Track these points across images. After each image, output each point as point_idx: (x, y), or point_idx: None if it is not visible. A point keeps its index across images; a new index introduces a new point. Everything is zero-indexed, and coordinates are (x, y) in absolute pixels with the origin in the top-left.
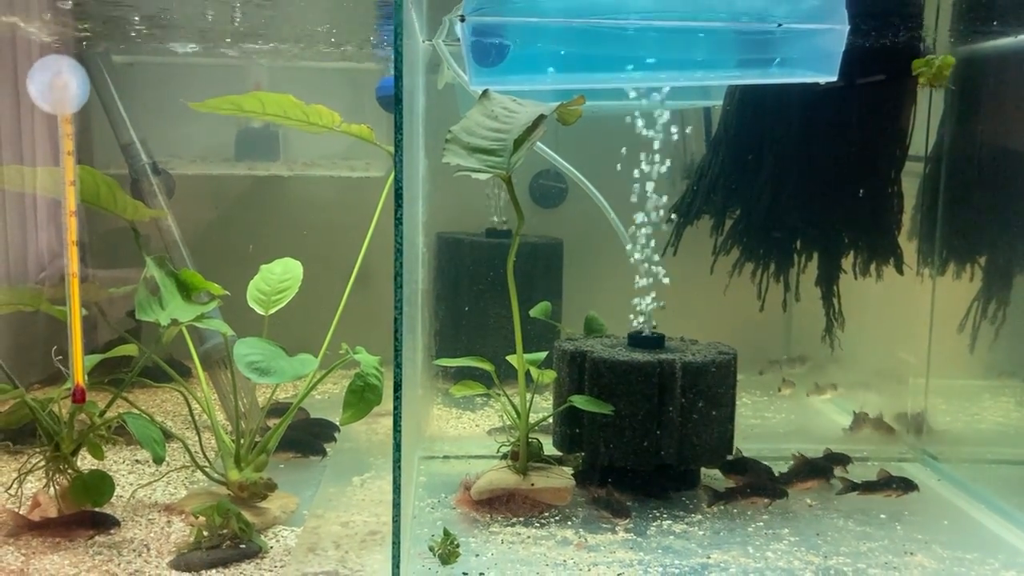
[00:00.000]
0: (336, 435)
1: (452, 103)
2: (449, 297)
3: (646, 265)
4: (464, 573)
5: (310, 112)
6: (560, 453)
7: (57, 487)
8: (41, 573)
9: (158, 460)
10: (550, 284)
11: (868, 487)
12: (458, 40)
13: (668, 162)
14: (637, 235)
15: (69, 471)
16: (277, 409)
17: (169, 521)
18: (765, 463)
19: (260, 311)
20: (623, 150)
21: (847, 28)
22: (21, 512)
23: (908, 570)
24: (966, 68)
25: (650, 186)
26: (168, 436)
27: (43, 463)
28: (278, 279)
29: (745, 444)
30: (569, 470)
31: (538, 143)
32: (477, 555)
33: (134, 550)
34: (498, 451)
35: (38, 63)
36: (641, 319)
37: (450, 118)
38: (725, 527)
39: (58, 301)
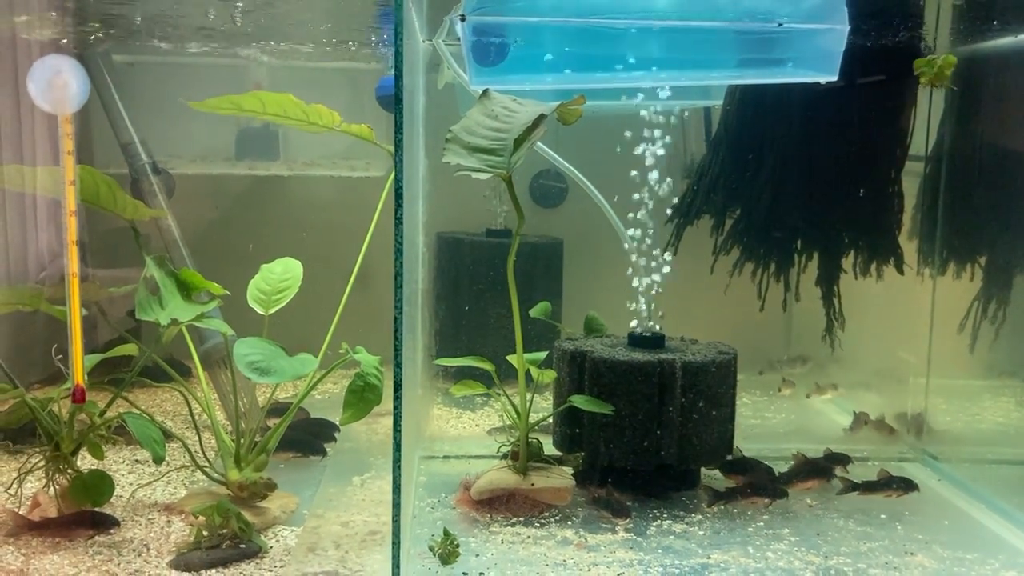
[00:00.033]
0: (336, 435)
1: (452, 103)
2: (449, 297)
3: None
4: (464, 573)
5: (310, 112)
6: (560, 453)
7: (57, 487)
8: (41, 573)
9: (158, 460)
10: (550, 284)
11: (868, 487)
12: (458, 40)
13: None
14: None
15: (69, 471)
16: (277, 409)
17: (169, 521)
18: (766, 463)
19: (260, 311)
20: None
21: (847, 28)
22: (21, 512)
23: (908, 570)
24: (967, 68)
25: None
26: (168, 436)
27: (43, 463)
28: (278, 279)
29: (745, 444)
30: (569, 470)
31: (538, 143)
32: (477, 555)
33: (134, 550)
34: (498, 451)
35: (38, 62)
36: (643, 308)
37: (450, 118)
38: (725, 527)
39: (58, 301)
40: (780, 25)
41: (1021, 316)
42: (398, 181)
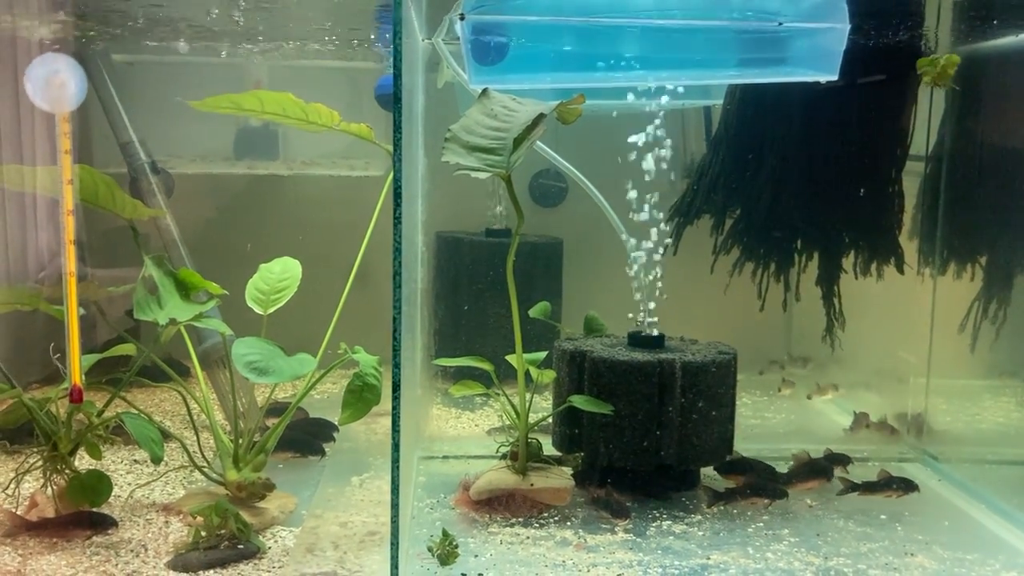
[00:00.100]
0: (335, 435)
1: (452, 102)
2: (448, 296)
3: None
4: (463, 574)
5: (309, 111)
6: (559, 453)
7: (54, 487)
8: (38, 573)
9: (156, 460)
10: (550, 284)
11: (868, 487)
12: (458, 38)
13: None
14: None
15: (67, 471)
16: (276, 409)
17: (167, 521)
18: (766, 463)
19: (259, 310)
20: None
21: (848, 27)
22: (18, 512)
23: (909, 571)
24: (967, 67)
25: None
26: (166, 436)
27: (40, 463)
28: (277, 278)
29: (745, 444)
30: (568, 470)
31: (538, 142)
32: (476, 556)
33: (132, 550)
34: (497, 451)
35: (36, 61)
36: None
37: (450, 117)
38: (725, 528)
39: (58, 300)
40: (780, 24)
41: (1022, 316)
42: (397, 180)
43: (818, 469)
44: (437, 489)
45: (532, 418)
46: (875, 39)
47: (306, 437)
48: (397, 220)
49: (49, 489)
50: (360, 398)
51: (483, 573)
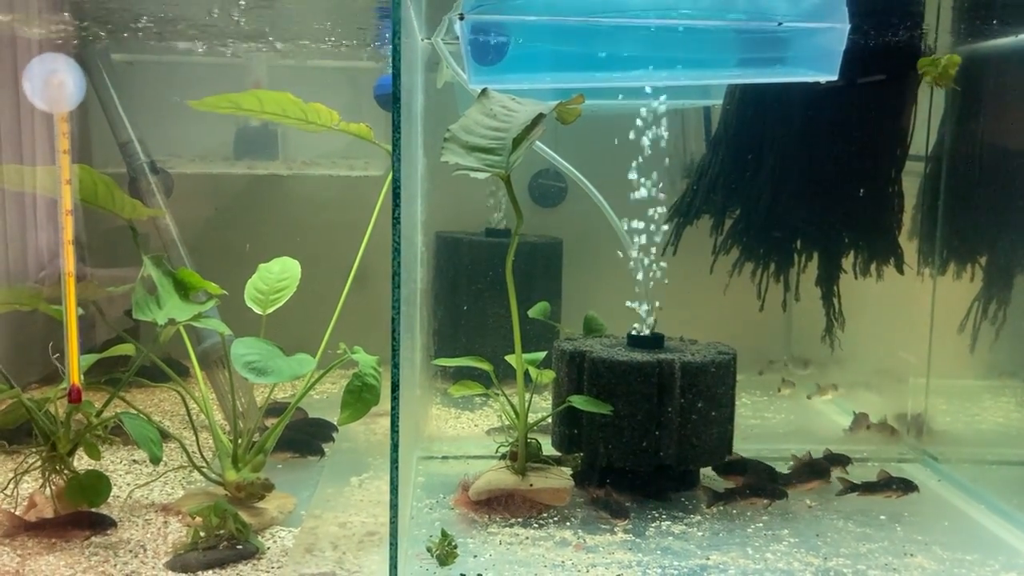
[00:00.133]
0: (334, 435)
1: (451, 101)
2: (448, 296)
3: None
4: (462, 574)
5: (308, 110)
6: (559, 453)
7: (53, 487)
8: (37, 574)
9: (155, 460)
10: (549, 284)
11: (868, 488)
12: (457, 38)
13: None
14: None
15: (65, 471)
16: (275, 409)
17: (166, 521)
18: (768, 463)
19: (258, 310)
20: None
21: (848, 27)
22: (17, 512)
23: (908, 571)
24: (967, 67)
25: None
26: (165, 436)
27: (39, 463)
28: (276, 278)
29: (745, 444)
30: (568, 470)
31: (537, 142)
32: (475, 556)
33: (130, 551)
34: (497, 451)
35: (34, 61)
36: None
37: (449, 117)
38: (724, 528)
39: (58, 300)
40: (780, 24)
41: (1021, 316)
42: (396, 180)
43: (819, 469)
44: (436, 489)
45: (531, 418)
46: (875, 39)
47: (305, 437)
48: (396, 220)
49: (48, 489)
50: (359, 398)
51: (482, 573)
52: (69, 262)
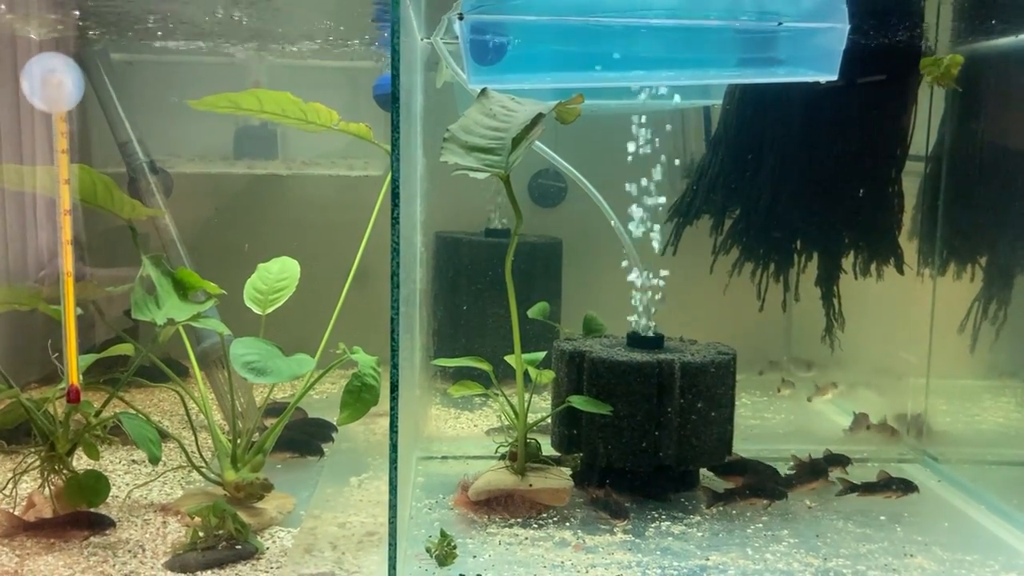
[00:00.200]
0: (333, 435)
1: (450, 101)
2: (447, 296)
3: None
4: (461, 574)
5: (308, 110)
6: (558, 454)
7: (52, 487)
8: (36, 574)
9: (154, 460)
10: (549, 284)
11: (868, 488)
12: (457, 38)
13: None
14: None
15: (64, 471)
16: (274, 409)
17: (165, 522)
18: (769, 464)
19: (257, 310)
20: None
21: (848, 27)
22: (16, 512)
23: (908, 572)
24: (967, 67)
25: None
26: (164, 436)
27: (38, 463)
28: (275, 278)
29: (745, 445)
30: (567, 471)
31: (537, 142)
32: (475, 556)
33: (129, 551)
34: (496, 451)
35: (33, 60)
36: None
37: (448, 117)
38: (724, 528)
39: (57, 300)
40: (780, 24)
41: (1022, 316)
42: (395, 180)
43: (819, 470)
44: (436, 489)
45: (531, 418)
46: (875, 39)
47: (304, 437)
48: (395, 220)
49: (47, 489)
50: (358, 398)
51: (481, 574)
52: (68, 262)
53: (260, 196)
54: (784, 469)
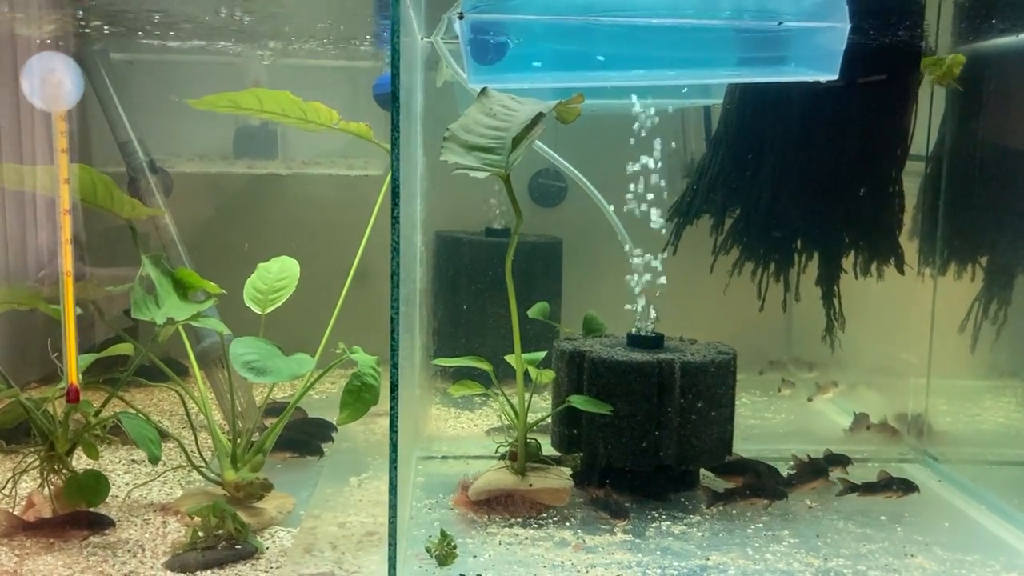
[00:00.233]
0: (333, 435)
1: (451, 101)
2: (448, 296)
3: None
4: (461, 574)
5: (308, 110)
6: (558, 453)
7: (51, 487)
8: (35, 574)
9: (154, 460)
10: (549, 283)
11: (868, 488)
12: (457, 37)
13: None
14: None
15: (64, 471)
16: (274, 409)
17: (165, 521)
18: (769, 464)
19: (257, 310)
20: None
21: (848, 26)
22: (15, 512)
23: (908, 572)
24: (967, 67)
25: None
26: (164, 436)
27: (37, 463)
28: (275, 277)
29: (745, 445)
30: (567, 470)
31: (537, 141)
32: (475, 556)
33: (129, 551)
34: (496, 451)
35: (33, 59)
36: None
37: (448, 116)
38: (724, 528)
39: (57, 299)
40: (780, 23)
41: (1022, 316)
42: (394, 180)
43: (819, 470)
44: (436, 489)
45: (531, 418)
46: (875, 38)
47: (304, 437)
48: (395, 219)
49: (46, 489)
50: (358, 398)
51: (481, 574)
52: (67, 261)
53: (260, 196)
54: (784, 469)
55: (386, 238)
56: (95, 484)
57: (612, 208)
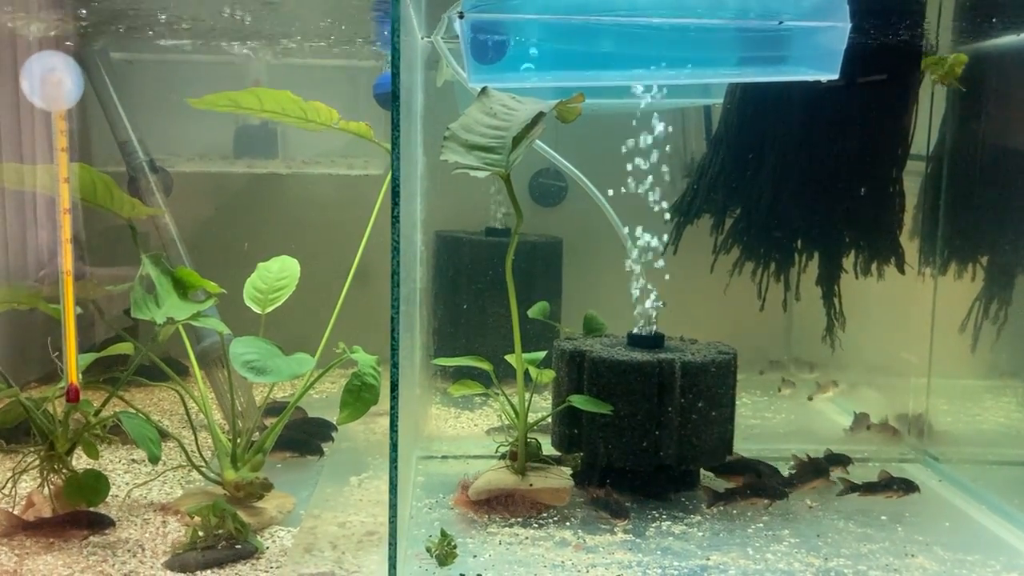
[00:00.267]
0: (333, 435)
1: (451, 100)
2: (448, 296)
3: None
4: (461, 574)
5: (308, 109)
6: (559, 453)
7: (51, 486)
8: (35, 573)
9: (154, 459)
10: (549, 283)
11: (869, 488)
12: (457, 37)
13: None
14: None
15: (64, 470)
16: (274, 408)
17: (165, 521)
18: (770, 464)
19: (257, 309)
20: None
21: (849, 26)
22: (15, 512)
23: (909, 572)
24: (968, 66)
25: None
26: (164, 435)
27: (37, 462)
28: (275, 277)
29: (745, 444)
30: (568, 470)
31: (537, 141)
32: (475, 556)
33: (129, 550)
34: (496, 451)
35: (32, 58)
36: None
37: (449, 115)
38: (725, 528)
39: (57, 299)
40: (781, 23)
41: (1023, 316)
42: (395, 179)
43: (820, 469)
44: (436, 489)
45: (531, 418)
46: (876, 38)
47: (304, 437)
48: (395, 219)
49: (46, 488)
50: (358, 398)
51: (481, 574)
52: (67, 260)
53: (260, 195)
54: (785, 469)
55: (386, 237)
56: (95, 484)
57: (611, 208)
